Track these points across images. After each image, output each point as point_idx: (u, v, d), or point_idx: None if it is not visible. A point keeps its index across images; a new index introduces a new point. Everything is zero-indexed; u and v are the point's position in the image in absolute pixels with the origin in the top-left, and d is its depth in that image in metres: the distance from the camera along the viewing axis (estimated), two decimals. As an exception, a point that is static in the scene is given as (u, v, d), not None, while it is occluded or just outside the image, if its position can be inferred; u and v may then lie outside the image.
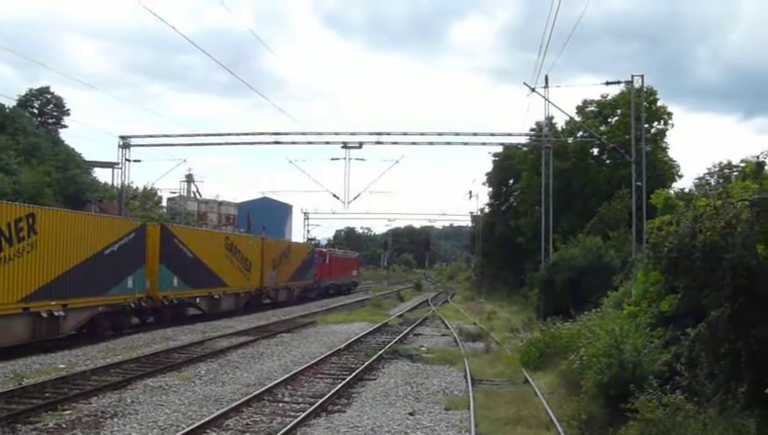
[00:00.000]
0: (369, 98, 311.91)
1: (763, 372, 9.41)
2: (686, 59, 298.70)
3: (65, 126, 66.68)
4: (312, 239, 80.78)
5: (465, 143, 38.76)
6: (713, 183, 29.22)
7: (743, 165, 22.32)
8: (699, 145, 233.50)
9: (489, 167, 70.01)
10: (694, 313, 11.76)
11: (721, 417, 10.15)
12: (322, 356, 23.27)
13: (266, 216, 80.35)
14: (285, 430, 12.94)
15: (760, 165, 11.39)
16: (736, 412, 10.09)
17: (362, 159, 40.94)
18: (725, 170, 30.70)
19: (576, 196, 47.31)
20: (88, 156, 64.04)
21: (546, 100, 34.23)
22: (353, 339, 28.42)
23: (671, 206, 19.56)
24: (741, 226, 9.66)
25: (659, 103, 47.38)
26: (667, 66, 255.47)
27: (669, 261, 11.21)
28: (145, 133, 50.19)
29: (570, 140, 45.56)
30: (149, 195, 60.83)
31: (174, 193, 71.83)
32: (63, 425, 13.27)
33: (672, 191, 35.89)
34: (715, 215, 10.06)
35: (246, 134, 40.42)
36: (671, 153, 48.10)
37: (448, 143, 38.94)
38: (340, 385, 17.78)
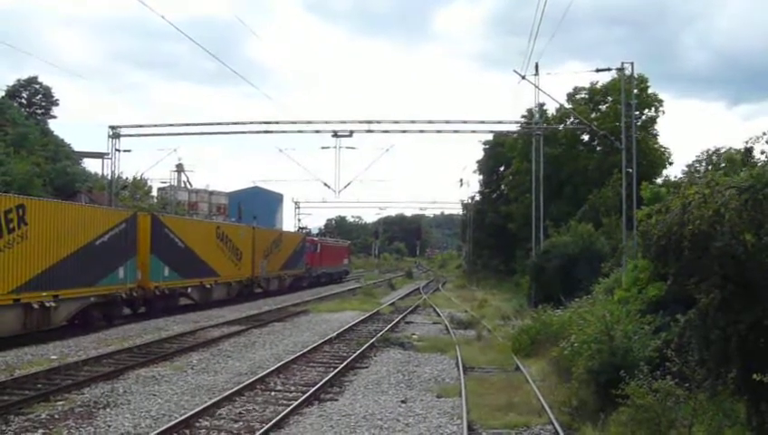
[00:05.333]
0: (358, 87, 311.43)
1: (752, 358, 9.47)
2: (674, 45, 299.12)
3: (54, 116, 66.53)
4: (303, 228, 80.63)
5: (456, 131, 38.71)
6: (702, 170, 29.29)
7: (733, 151, 22.42)
8: (687, 131, 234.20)
9: (480, 154, 70.08)
10: (683, 299, 11.82)
11: (711, 402, 10.23)
12: (314, 345, 23.32)
13: (257, 205, 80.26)
14: (278, 418, 13.00)
15: (748, 151, 11.43)
16: (726, 397, 10.17)
17: (353, 148, 40.74)
18: (714, 157, 30.81)
19: (566, 183, 47.39)
20: (77, 146, 63.94)
21: (536, 87, 34.26)
22: (345, 327, 28.48)
23: (661, 198, 19.59)
24: (729, 214, 9.69)
25: (650, 90, 47.40)
26: (654, 52, 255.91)
27: (658, 249, 11.24)
28: (133, 123, 50.10)
29: (560, 127, 45.55)
30: (140, 185, 60.71)
31: (164, 183, 71.71)
32: (56, 416, 13.29)
33: (661, 180, 36.01)
34: (703, 203, 10.09)
35: (236, 123, 40.33)
36: (661, 140, 48.23)
37: (439, 131, 38.86)
38: (332, 374, 17.86)
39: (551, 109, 51.29)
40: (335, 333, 26.48)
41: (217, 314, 32.98)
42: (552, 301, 25.22)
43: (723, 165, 25.77)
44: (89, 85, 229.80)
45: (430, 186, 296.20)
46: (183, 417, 12.92)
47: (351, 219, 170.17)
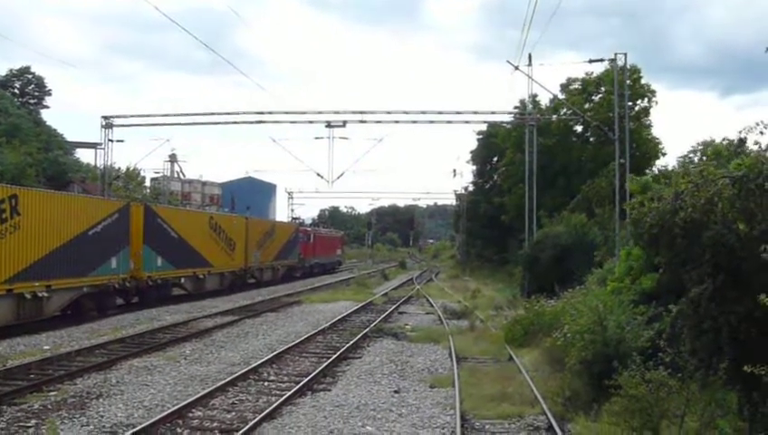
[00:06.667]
0: (352, 77, 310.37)
1: (743, 348, 9.49)
2: (667, 35, 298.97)
3: (47, 106, 66.22)
4: (296, 218, 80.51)
5: (449, 121, 38.74)
6: (696, 161, 29.36)
7: (724, 143, 22.45)
8: (680, 122, 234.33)
9: (473, 144, 70.12)
10: (676, 290, 11.83)
11: (703, 392, 10.24)
12: (307, 335, 23.31)
13: (250, 195, 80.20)
14: (271, 408, 13.00)
15: (741, 141, 11.43)
16: (718, 388, 10.18)
17: (346, 138, 40.77)
18: (708, 149, 30.85)
19: (560, 173, 47.46)
20: (69, 136, 63.66)
21: (530, 78, 34.26)
22: (338, 318, 28.48)
23: (649, 188, 19.58)
24: (722, 203, 9.70)
25: (643, 81, 47.48)
26: (647, 43, 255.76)
27: (650, 237, 11.26)
28: (126, 113, 49.97)
29: (554, 118, 45.57)
30: (132, 175, 60.49)
31: (157, 173, 71.38)
32: (49, 406, 13.27)
33: (656, 169, 36.02)
34: (696, 192, 10.09)
35: (230, 113, 40.26)
36: (655, 131, 48.33)
37: (432, 122, 38.87)
38: (325, 364, 17.84)
39: (544, 100, 51.38)
40: (328, 324, 26.48)
41: (210, 305, 32.95)
42: (545, 291, 25.24)
43: (714, 160, 25.84)
44: (82, 75, 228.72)
45: (423, 176, 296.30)
46: (176, 407, 12.91)
47: (345, 210, 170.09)
